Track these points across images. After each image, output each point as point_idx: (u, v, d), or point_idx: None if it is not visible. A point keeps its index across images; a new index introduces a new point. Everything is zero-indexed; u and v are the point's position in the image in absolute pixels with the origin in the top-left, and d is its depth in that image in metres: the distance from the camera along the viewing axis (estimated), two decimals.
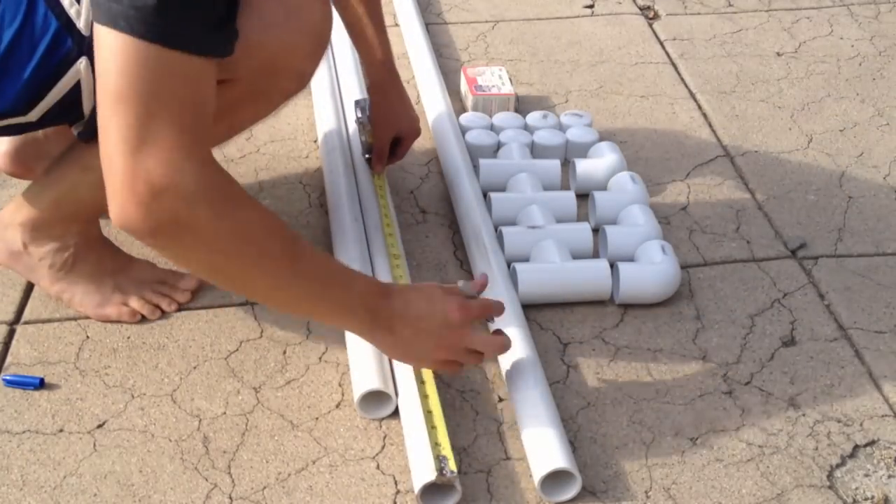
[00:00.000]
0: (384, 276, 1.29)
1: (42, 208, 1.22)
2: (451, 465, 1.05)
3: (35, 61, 1.03)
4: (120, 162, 0.89)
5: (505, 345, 1.11)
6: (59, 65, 1.04)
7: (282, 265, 0.99)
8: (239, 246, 0.96)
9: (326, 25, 1.15)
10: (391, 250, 1.35)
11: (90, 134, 1.11)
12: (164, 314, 1.28)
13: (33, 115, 1.08)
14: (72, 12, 1.03)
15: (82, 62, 1.04)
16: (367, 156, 1.53)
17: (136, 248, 1.35)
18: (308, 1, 1.12)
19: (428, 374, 1.16)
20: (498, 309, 1.12)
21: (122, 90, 0.88)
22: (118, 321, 1.27)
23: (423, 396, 1.13)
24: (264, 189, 1.53)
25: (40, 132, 1.40)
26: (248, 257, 0.97)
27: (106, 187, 0.92)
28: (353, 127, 1.59)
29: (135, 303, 1.27)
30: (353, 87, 1.70)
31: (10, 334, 1.27)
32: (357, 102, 1.54)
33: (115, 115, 0.89)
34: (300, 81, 1.16)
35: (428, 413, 1.11)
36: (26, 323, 1.28)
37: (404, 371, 1.16)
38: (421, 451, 1.06)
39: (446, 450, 1.06)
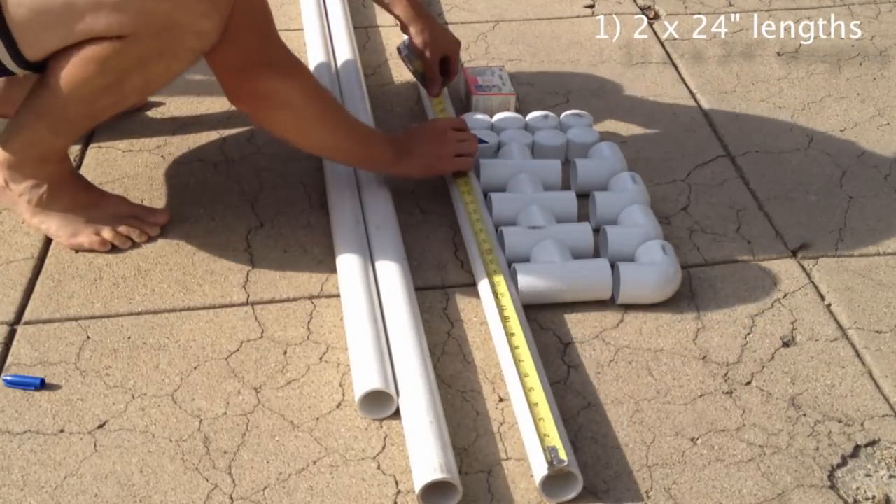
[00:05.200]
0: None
1: (14, 151, 1.31)
2: (562, 454, 1.05)
3: None
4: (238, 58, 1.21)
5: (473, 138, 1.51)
6: None
7: (340, 121, 1.37)
8: (320, 118, 1.35)
9: None
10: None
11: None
12: (134, 244, 1.39)
13: None
14: None
15: None
16: (421, 84, 1.70)
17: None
18: None
19: (531, 367, 1.16)
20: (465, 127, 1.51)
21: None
22: (90, 250, 1.38)
23: (528, 390, 1.13)
24: (265, 189, 1.53)
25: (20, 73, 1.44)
26: (325, 123, 1.36)
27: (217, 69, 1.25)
28: None
29: (107, 233, 1.38)
30: (355, 87, 1.71)
31: (11, 335, 1.27)
32: (398, 49, 1.68)
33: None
34: (203, 40, 1.22)
35: (534, 406, 1.11)
36: (27, 323, 1.28)
37: (405, 371, 1.16)
38: (532, 445, 1.07)
39: (555, 440, 1.07)
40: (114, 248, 1.39)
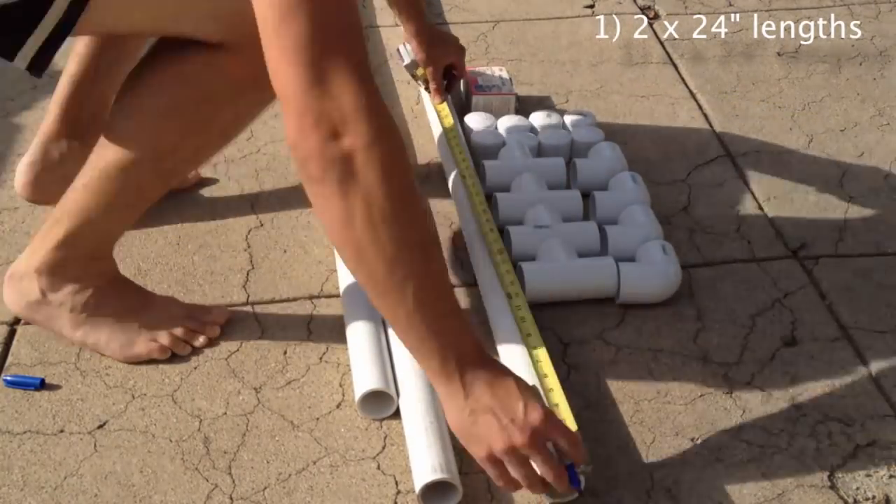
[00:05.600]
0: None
1: (56, 247, 1.17)
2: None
3: None
4: (301, 92, 0.84)
5: (565, 482, 0.98)
6: None
7: (417, 259, 0.93)
8: (392, 210, 0.89)
9: None
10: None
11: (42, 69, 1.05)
12: (194, 350, 1.23)
13: None
14: None
15: None
16: (425, 89, 1.71)
17: (160, 287, 1.34)
18: None
19: (543, 354, 1.16)
20: (576, 452, 0.98)
21: (291, 4, 0.83)
22: (148, 359, 1.21)
23: (549, 390, 1.13)
24: (265, 190, 1.53)
25: (56, 154, 1.38)
26: (392, 229, 0.90)
27: (283, 110, 0.87)
28: None
29: (164, 339, 1.21)
30: None
31: (11, 335, 1.27)
32: (398, 51, 1.70)
33: (285, 34, 0.83)
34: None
35: (555, 406, 1.10)
36: (27, 324, 1.28)
37: (405, 371, 1.16)
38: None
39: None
40: (173, 356, 1.22)
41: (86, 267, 1.20)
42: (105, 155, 1.14)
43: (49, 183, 1.38)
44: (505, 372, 1.00)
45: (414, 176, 0.94)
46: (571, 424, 1.07)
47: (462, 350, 0.97)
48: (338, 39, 0.85)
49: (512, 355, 1.19)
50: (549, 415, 0.98)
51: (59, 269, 1.18)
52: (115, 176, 1.13)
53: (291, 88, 0.85)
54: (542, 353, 1.18)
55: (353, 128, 0.85)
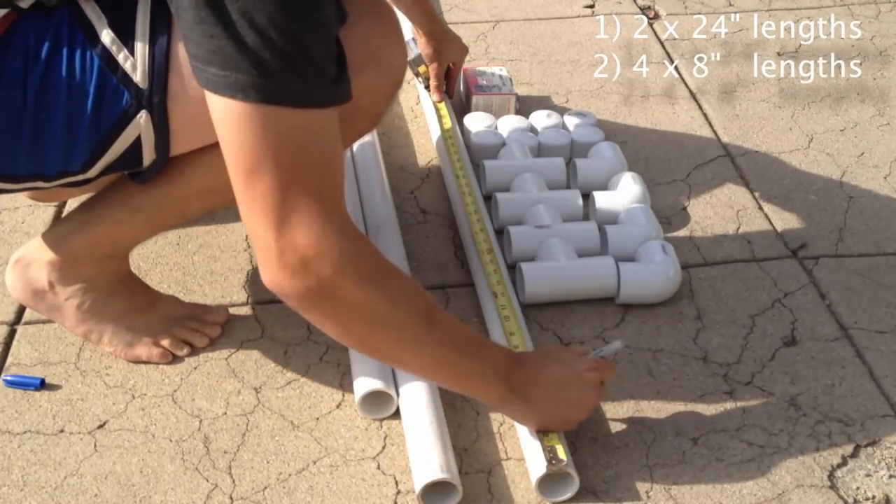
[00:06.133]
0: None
1: (76, 247, 1.17)
2: (561, 454, 1.05)
3: (93, 119, 1.00)
4: (267, 235, 0.89)
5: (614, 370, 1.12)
6: (118, 121, 1.01)
7: (419, 333, 0.98)
8: (382, 313, 0.95)
9: (404, 67, 1.17)
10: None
11: (146, 178, 1.10)
12: (193, 350, 1.24)
13: (92, 173, 1.05)
14: (127, 66, 0.99)
15: (142, 116, 1.01)
16: (424, 86, 1.73)
17: (160, 287, 1.34)
18: (389, 43, 1.12)
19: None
20: (609, 368, 1.11)
21: (256, 162, 0.87)
22: (148, 362, 1.22)
23: None
24: None
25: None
26: (389, 325, 0.96)
27: (256, 254, 0.94)
28: None
29: (166, 342, 1.23)
30: None
31: (11, 335, 1.27)
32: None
33: (252, 188, 0.88)
34: (374, 122, 1.16)
35: None
36: (27, 323, 1.28)
37: (406, 372, 1.16)
38: (531, 445, 1.07)
39: (554, 440, 1.06)
40: (173, 356, 1.23)
41: (101, 266, 1.19)
42: (173, 177, 1.11)
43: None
44: (537, 355, 1.11)
45: (385, 262, 0.97)
46: (558, 444, 1.07)
47: (497, 369, 1.04)
48: (300, 187, 0.88)
49: None
50: (594, 363, 1.08)
51: (72, 265, 1.18)
52: (165, 199, 1.14)
53: (258, 235, 0.90)
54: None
55: (315, 262, 0.89)
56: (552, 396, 1.06)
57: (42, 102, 0.98)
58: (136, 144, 1.03)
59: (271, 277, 0.91)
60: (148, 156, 1.05)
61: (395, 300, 0.96)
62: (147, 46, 0.99)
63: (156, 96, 1.00)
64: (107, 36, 0.99)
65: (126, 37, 0.99)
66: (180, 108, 1.02)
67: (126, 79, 0.99)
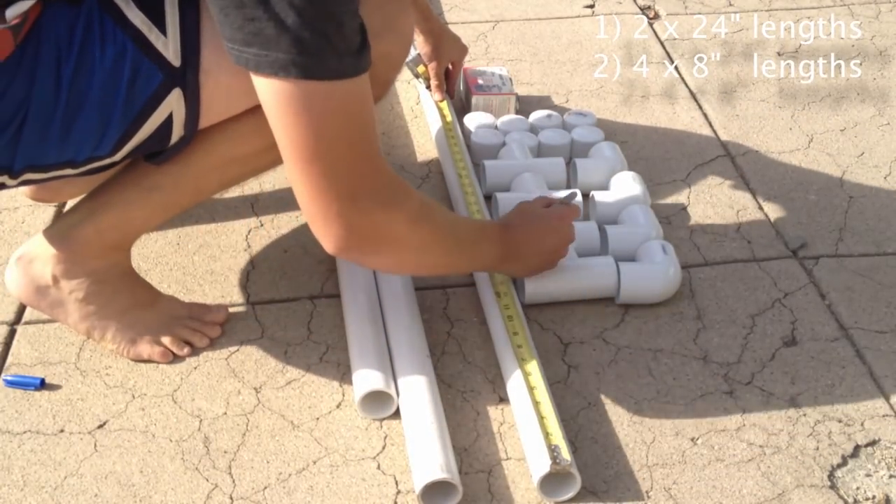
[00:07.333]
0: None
1: (84, 236, 1.16)
2: (564, 453, 1.05)
3: (126, 100, 1.02)
4: (332, 205, 0.98)
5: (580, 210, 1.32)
6: (151, 100, 1.02)
7: (446, 239, 1.12)
8: (425, 245, 1.09)
9: (413, 32, 1.20)
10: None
11: (166, 157, 1.12)
12: (194, 350, 1.24)
13: (119, 156, 1.06)
14: (159, 45, 1.01)
15: (174, 94, 1.03)
16: (425, 86, 1.73)
17: (160, 287, 1.34)
18: (401, 8, 1.15)
19: (534, 367, 1.16)
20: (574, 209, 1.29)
21: (307, 137, 0.93)
22: (149, 360, 1.22)
23: (531, 388, 1.13)
24: (265, 190, 1.53)
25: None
26: (430, 248, 1.11)
27: (314, 229, 1.02)
28: None
29: (167, 341, 1.22)
30: None
31: (11, 334, 1.27)
32: None
33: (309, 163, 0.95)
34: (385, 89, 1.18)
35: (537, 404, 1.11)
36: (27, 323, 1.28)
37: (405, 371, 1.16)
38: (535, 443, 1.07)
39: (557, 439, 1.07)
40: (173, 356, 1.23)
41: (107, 258, 1.19)
42: (189, 150, 1.13)
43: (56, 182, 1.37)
44: (516, 217, 1.25)
45: (423, 197, 1.09)
46: (557, 432, 1.08)
47: (493, 239, 1.20)
48: (354, 153, 0.97)
49: (503, 358, 1.20)
50: (560, 211, 1.26)
51: (79, 258, 1.17)
52: (182, 175, 1.15)
53: (321, 206, 0.99)
54: (528, 352, 1.19)
55: (381, 217, 1.01)
56: (538, 250, 1.25)
57: (76, 90, 1.00)
58: (168, 122, 1.05)
59: (335, 247, 1.01)
60: (177, 133, 1.08)
61: (433, 230, 1.09)
62: (178, 24, 1.02)
63: (189, 73, 1.03)
64: (136, 18, 1.01)
65: (156, 17, 1.02)
66: (212, 82, 1.05)
67: (159, 58, 1.02)
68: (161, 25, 1.01)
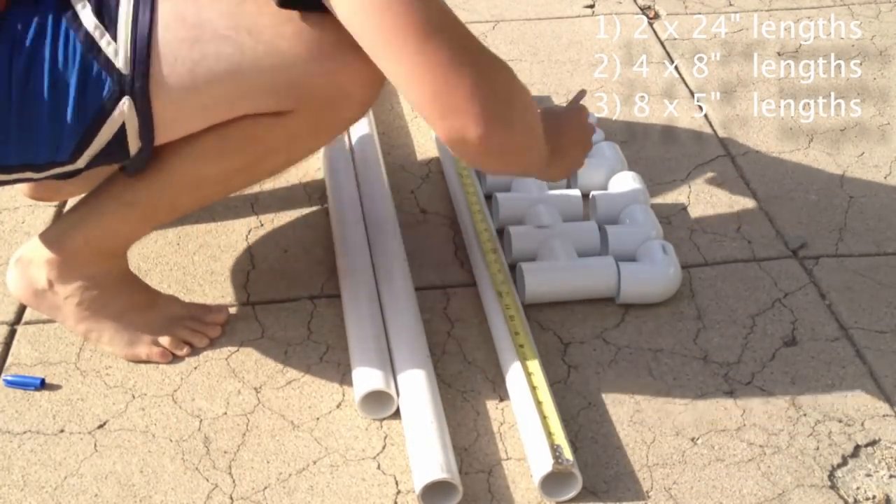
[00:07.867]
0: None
1: (73, 245, 1.16)
2: (567, 453, 1.05)
3: (77, 106, 1.00)
4: (461, 83, 0.97)
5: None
6: (102, 108, 1.00)
7: (540, 121, 1.12)
8: (535, 119, 1.10)
9: None
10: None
11: (135, 169, 1.10)
12: (193, 350, 1.24)
13: (81, 163, 1.05)
14: (109, 51, 0.99)
15: (125, 103, 1.00)
16: None
17: (160, 287, 1.34)
18: None
19: (535, 366, 1.16)
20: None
21: (419, 15, 0.94)
22: (148, 361, 1.22)
23: (533, 388, 1.13)
24: (264, 189, 1.53)
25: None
26: (537, 127, 1.10)
27: (449, 118, 0.99)
28: (353, 127, 1.59)
29: (166, 342, 1.22)
30: None
31: (11, 335, 1.27)
32: None
33: (426, 41, 0.95)
34: (362, 109, 1.14)
35: (539, 404, 1.11)
36: (27, 323, 1.28)
37: (405, 371, 1.16)
38: (537, 443, 1.07)
39: (560, 439, 1.07)
40: (173, 356, 1.23)
41: (99, 264, 1.18)
42: (161, 168, 1.12)
43: (49, 181, 1.37)
44: (553, 118, 1.23)
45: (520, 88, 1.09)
46: (559, 432, 1.08)
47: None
48: (456, 47, 0.98)
49: (505, 357, 1.20)
50: (579, 111, 1.29)
51: (71, 263, 1.17)
52: (158, 191, 1.13)
53: (437, 100, 0.98)
54: (530, 351, 1.19)
55: (490, 99, 1.00)
56: (575, 140, 1.26)
57: (26, 91, 0.98)
58: (122, 132, 1.02)
59: (486, 114, 0.99)
60: (133, 144, 1.04)
61: (530, 122, 1.09)
62: (129, 31, 0.99)
63: (137, 82, 0.99)
64: (89, 21, 0.98)
65: (109, 22, 0.99)
66: (163, 94, 1.01)
67: (108, 65, 0.99)
68: (113, 30, 0.99)
